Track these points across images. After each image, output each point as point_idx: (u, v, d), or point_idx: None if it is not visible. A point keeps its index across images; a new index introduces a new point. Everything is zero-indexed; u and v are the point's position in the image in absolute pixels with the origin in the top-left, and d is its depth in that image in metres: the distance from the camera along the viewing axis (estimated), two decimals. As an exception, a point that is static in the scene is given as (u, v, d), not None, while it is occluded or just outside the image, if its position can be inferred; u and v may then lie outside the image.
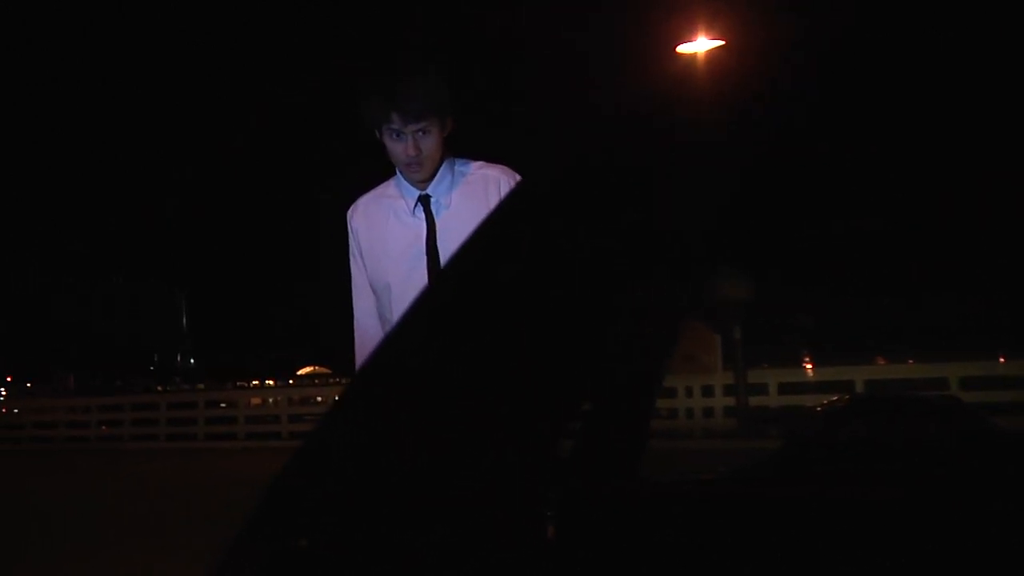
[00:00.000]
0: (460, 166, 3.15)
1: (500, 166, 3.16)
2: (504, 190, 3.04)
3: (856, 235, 1.25)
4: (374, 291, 3.21)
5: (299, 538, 0.84)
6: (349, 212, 3.29)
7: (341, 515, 0.83)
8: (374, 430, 0.85)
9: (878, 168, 1.08)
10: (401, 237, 3.14)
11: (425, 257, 3.09)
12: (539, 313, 0.89)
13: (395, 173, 3.21)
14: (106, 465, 17.92)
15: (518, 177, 3.09)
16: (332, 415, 0.87)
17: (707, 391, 18.94)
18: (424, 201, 3.13)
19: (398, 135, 2.99)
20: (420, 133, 2.99)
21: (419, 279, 3.06)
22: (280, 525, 0.85)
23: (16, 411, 32.48)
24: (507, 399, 0.87)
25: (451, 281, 0.92)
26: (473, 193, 3.11)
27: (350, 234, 3.26)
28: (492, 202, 3.05)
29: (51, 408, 32.29)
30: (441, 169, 3.10)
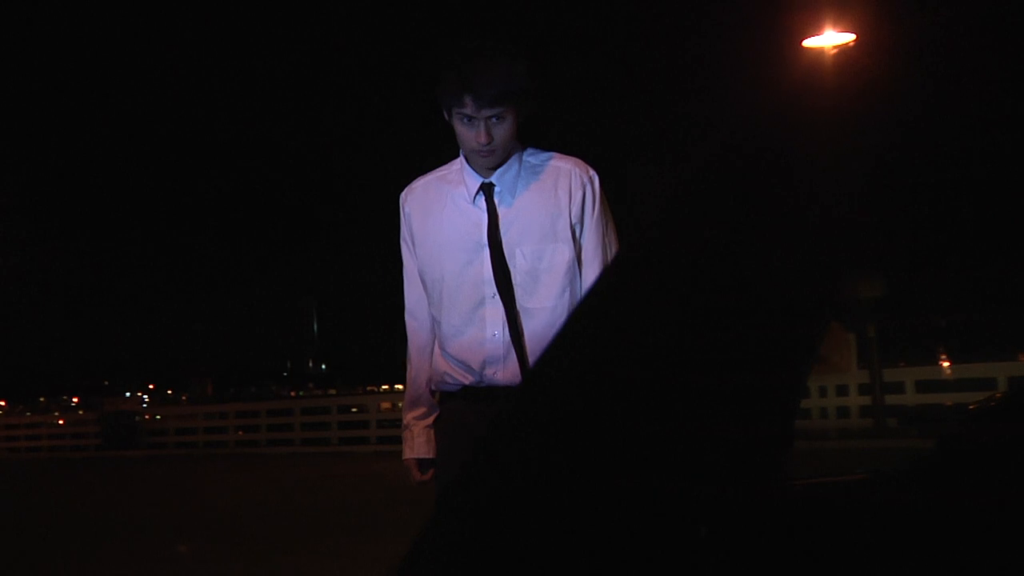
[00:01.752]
0: (529, 156, 2.92)
1: (574, 159, 2.93)
2: (576, 185, 2.86)
3: (991, 231, 1.20)
4: (423, 281, 2.98)
5: (475, 539, 0.87)
6: (403, 195, 3.04)
7: (515, 512, 0.86)
8: (541, 431, 0.87)
9: (1018, 167, 1.04)
10: (459, 226, 2.91)
11: (486, 249, 2.86)
12: (687, 316, 0.89)
13: (458, 155, 2.98)
14: (245, 469, 18.42)
15: (591, 172, 2.90)
16: (503, 419, 0.89)
17: (842, 390, 18.53)
18: (487, 190, 2.89)
19: (469, 120, 2.77)
20: (494, 120, 2.76)
21: (476, 272, 2.86)
22: (458, 525, 0.88)
23: (159, 417, 33.75)
24: (659, 403, 0.88)
25: (612, 289, 0.93)
26: (541, 185, 2.88)
27: (402, 218, 3.03)
28: (561, 197, 2.86)
29: (191, 415, 33.46)
30: (510, 158, 2.88)
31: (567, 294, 2.83)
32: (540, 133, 3.00)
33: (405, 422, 3.05)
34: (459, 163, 2.95)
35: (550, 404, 0.89)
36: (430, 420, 3.01)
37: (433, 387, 3.00)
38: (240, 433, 28.46)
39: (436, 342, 2.98)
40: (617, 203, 2.98)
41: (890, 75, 0.98)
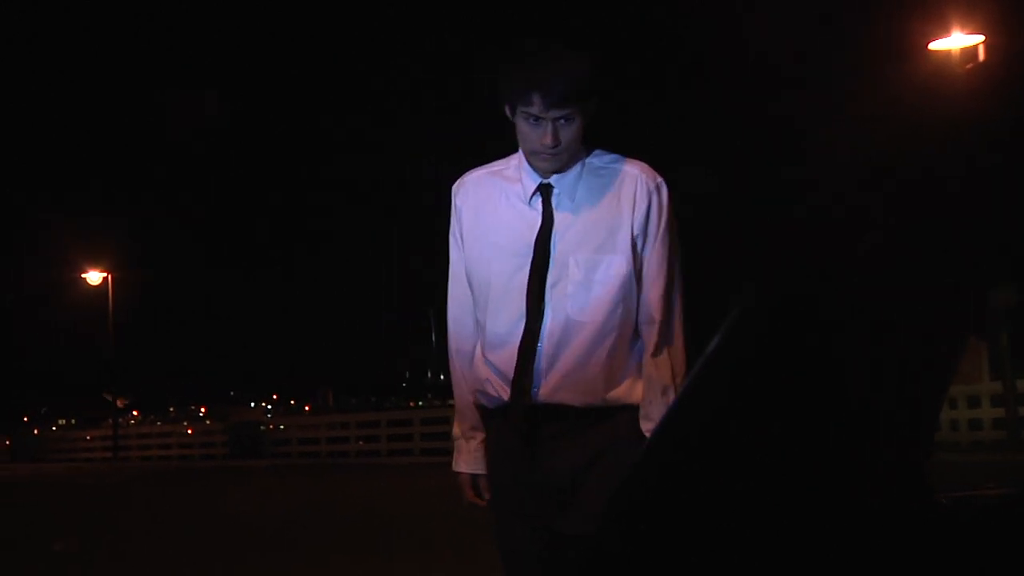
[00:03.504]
0: (593, 158, 2.71)
1: (640, 163, 2.72)
2: (641, 193, 2.65)
3: None
4: (470, 283, 2.77)
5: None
6: (455, 187, 2.84)
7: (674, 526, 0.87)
8: (699, 446, 0.88)
9: None
10: (511, 227, 2.70)
11: (532, 254, 2.65)
12: (829, 331, 0.88)
13: (516, 150, 2.77)
14: (367, 479, 18.67)
15: (659, 179, 2.68)
16: (659, 440, 0.90)
17: (973, 402, 17.94)
18: (544, 191, 2.68)
19: (536, 120, 2.57)
20: (562, 121, 2.57)
21: (511, 283, 2.66)
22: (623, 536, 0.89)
23: (282, 427, 34.52)
24: (806, 419, 0.87)
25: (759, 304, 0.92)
26: (603, 189, 2.67)
27: (452, 212, 2.82)
28: (624, 205, 2.64)
29: (314, 425, 34.18)
30: (573, 161, 2.69)
31: (619, 311, 2.62)
32: (607, 135, 2.80)
33: (457, 432, 2.86)
34: (517, 159, 2.75)
35: (706, 418, 0.89)
36: (483, 434, 2.81)
37: (472, 397, 2.81)
38: (361, 443, 28.92)
39: (479, 352, 2.77)
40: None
41: (1021, 78, 0.94)
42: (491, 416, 2.76)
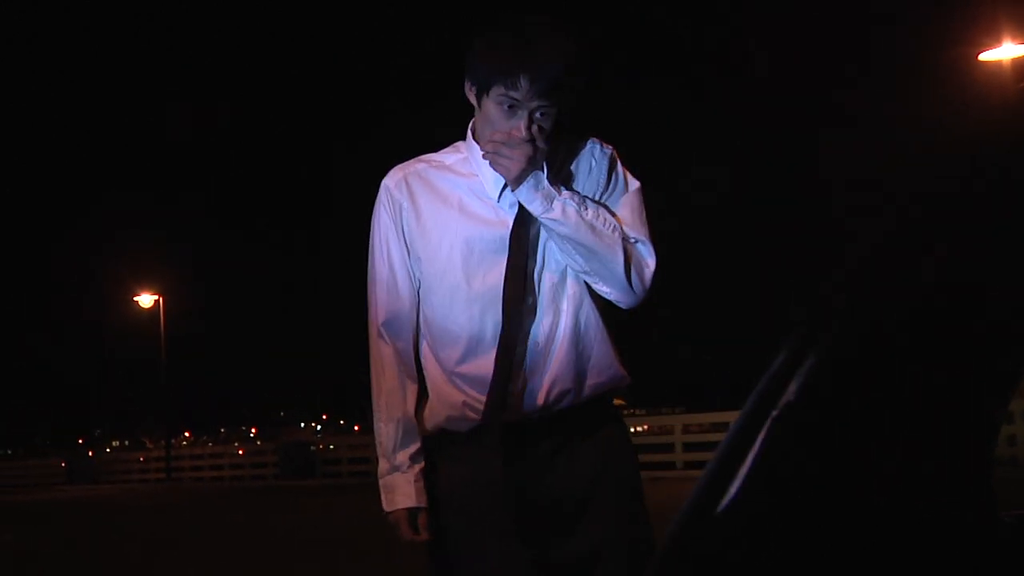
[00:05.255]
0: (548, 143, 2.37)
1: (588, 134, 2.46)
2: (599, 161, 2.41)
3: None
4: (433, 291, 2.43)
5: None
6: (390, 182, 2.46)
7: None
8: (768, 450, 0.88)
9: None
10: (481, 226, 2.38)
11: (506, 256, 2.36)
12: (894, 344, 0.88)
13: (464, 138, 2.46)
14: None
15: (609, 147, 2.44)
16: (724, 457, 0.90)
17: (1030, 416, 17.62)
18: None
19: (511, 107, 2.25)
20: (540, 112, 2.25)
21: (487, 284, 2.36)
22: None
23: (332, 447, 34.68)
24: (864, 435, 0.87)
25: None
26: (564, 169, 2.41)
27: (388, 211, 2.46)
28: (583, 178, 2.41)
29: (364, 444, 34.31)
30: None
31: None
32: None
33: (395, 463, 2.44)
34: (462, 151, 2.45)
35: (773, 420, 0.89)
36: (423, 463, 2.44)
37: (431, 428, 2.45)
38: (411, 462, 28.99)
39: (439, 372, 2.43)
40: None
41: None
42: (461, 441, 2.43)
